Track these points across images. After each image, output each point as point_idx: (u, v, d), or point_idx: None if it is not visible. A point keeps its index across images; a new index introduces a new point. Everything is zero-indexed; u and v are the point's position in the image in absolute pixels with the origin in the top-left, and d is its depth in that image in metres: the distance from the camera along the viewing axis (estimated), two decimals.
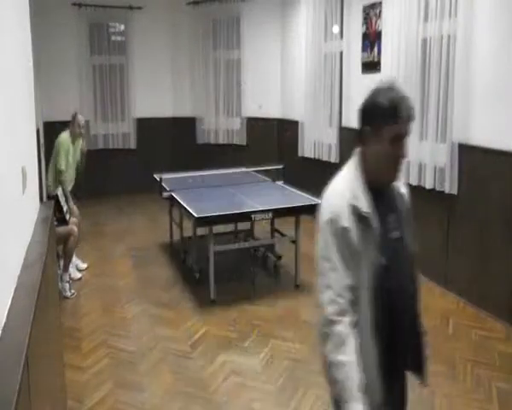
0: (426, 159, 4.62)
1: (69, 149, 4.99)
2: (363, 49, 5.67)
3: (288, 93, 7.49)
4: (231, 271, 5.11)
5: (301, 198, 4.72)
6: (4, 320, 1.37)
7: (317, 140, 6.60)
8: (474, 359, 3.43)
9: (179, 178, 5.61)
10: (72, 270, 4.85)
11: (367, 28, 5.59)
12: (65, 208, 4.69)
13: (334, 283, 1.52)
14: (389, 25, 5.12)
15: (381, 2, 5.33)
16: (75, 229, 4.67)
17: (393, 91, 1.54)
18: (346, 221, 1.52)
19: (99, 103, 8.18)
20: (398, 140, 1.53)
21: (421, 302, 1.70)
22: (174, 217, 5.58)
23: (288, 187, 5.24)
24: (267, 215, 4.35)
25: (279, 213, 4.49)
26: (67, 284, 4.54)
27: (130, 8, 8.09)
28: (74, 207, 4.99)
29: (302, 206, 4.54)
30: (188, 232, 5.26)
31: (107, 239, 6.06)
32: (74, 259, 4.93)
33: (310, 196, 4.69)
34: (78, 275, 4.95)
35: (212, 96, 8.23)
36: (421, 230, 4.82)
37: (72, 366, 3.39)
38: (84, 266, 5.13)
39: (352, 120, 6.00)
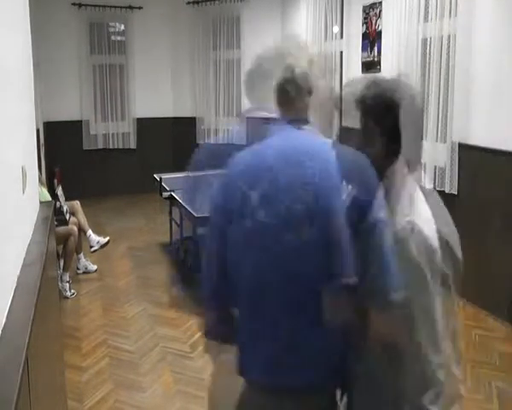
0: (426, 158, 4.61)
1: None
2: (363, 48, 5.67)
3: None
4: None
5: None
6: (4, 320, 1.37)
7: None
8: (474, 359, 3.43)
9: (179, 178, 5.60)
10: (87, 263, 5.06)
11: (367, 28, 5.59)
12: (65, 208, 4.69)
13: None
14: (389, 25, 5.12)
15: (381, 2, 5.33)
16: (75, 229, 4.68)
17: None
18: None
19: (99, 103, 8.17)
20: None
21: None
22: (174, 217, 5.58)
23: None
24: None
25: None
26: (67, 284, 4.54)
27: (130, 8, 8.08)
28: (75, 203, 5.07)
29: None
30: (188, 232, 5.26)
31: None
32: (95, 236, 5.07)
33: None
34: (94, 267, 5.10)
35: (212, 96, 8.23)
36: None
37: (72, 366, 3.38)
38: (106, 239, 5.18)
39: None
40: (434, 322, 1.29)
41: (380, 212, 1.28)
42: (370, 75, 1.39)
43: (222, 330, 1.44)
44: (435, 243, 1.30)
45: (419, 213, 1.31)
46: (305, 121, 1.44)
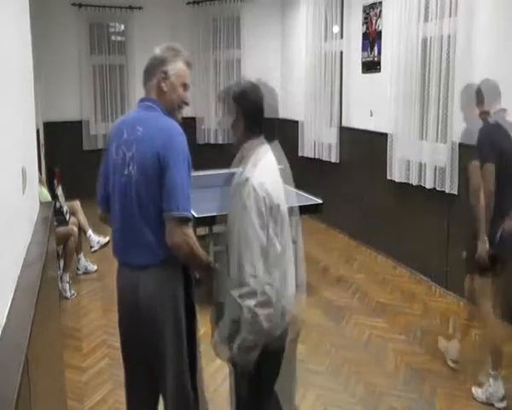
0: (426, 158, 4.62)
1: None
2: (363, 48, 5.67)
3: (288, 93, 7.49)
4: None
5: (301, 198, 4.72)
6: (4, 320, 1.37)
7: (317, 140, 6.60)
8: (475, 359, 3.43)
9: None
10: (87, 263, 5.10)
11: (367, 28, 5.59)
12: (65, 208, 4.69)
13: None
14: (389, 25, 5.12)
15: (381, 2, 5.33)
16: (75, 229, 4.68)
17: None
18: None
19: (99, 103, 8.17)
20: None
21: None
22: None
23: (288, 187, 5.22)
24: None
25: None
26: (67, 285, 4.54)
27: (131, 8, 8.08)
28: (75, 203, 5.07)
29: (302, 206, 4.53)
30: None
31: None
32: (95, 237, 5.07)
33: (310, 196, 4.69)
34: (94, 267, 5.15)
35: (212, 96, 8.22)
36: (421, 229, 4.83)
37: (72, 366, 3.39)
38: (106, 239, 5.16)
39: (353, 120, 6.01)
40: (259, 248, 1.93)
41: (170, 160, 2.01)
42: (246, 79, 2.08)
43: (106, 220, 2.27)
44: (276, 193, 2.03)
45: (265, 173, 2.01)
46: (150, 100, 2.14)
